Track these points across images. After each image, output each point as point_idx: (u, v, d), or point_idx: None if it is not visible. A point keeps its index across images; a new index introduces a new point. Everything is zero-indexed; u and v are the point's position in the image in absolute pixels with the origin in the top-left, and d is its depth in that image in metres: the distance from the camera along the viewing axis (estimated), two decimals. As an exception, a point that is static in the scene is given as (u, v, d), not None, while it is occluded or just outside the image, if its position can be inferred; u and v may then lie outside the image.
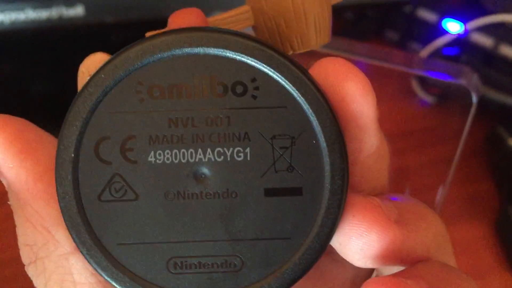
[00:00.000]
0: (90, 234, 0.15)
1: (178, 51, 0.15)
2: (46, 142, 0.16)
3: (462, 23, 0.43)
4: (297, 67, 0.15)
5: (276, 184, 0.15)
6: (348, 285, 0.20)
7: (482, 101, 0.41)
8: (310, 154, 0.15)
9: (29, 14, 0.35)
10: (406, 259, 0.16)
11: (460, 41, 0.43)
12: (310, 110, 0.15)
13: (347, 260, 0.16)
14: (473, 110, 0.31)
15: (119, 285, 0.15)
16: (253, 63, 0.15)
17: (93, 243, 0.15)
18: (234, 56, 0.15)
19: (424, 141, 0.42)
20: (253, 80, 0.15)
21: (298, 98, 0.15)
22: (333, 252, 0.20)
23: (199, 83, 0.15)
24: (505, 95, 0.41)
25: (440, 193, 0.37)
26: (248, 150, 0.15)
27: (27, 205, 0.16)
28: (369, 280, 0.14)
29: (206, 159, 0.15)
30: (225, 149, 0.15)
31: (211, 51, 0.15)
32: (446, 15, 0.44)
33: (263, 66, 0.15)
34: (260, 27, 0.18)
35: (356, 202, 0.16)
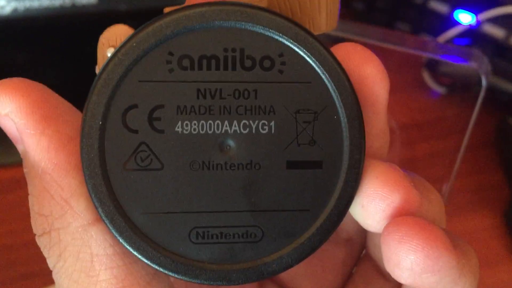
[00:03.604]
0: (114, 202, 0.15)
1: (210, 24, 0.15)
2: (68, 111, 0.16)
3: (473, 14, 0.43)
4: (322, 46, 0.16)
5: (298, 157, 0.16)
6: (340, 265, 0.21)
7: (492, 92, 0.41)
8: (331, 129, 0.16)
9: (42, 2, 0.36)
10: None
11: (472, 32, 0.43)
12: (334, 87, 0.16)
13: (364, 223, 0.16)
14: (482, 93, 0.31)
15: (141, 254, 0.15)
16: (281, 39, 0.15)
17: (117, 212, 0.15)
18: (263, 31, 0.15)
19: (434, 131, 0.42)
20: (281, 55, 0.16)
21: (322, 74, 0.16)
22: None
23: (229, 56, 0.15)
24: (516, 86, 0.41)
25: (448, 184, 0.37)
26: (272, 123, 0.16)
27: (46, 174, 0.15)
28: (395, 219, 0.15)
29: (232, 131, 0.16)
30: (250, 121, 0.16)
31: (241, 25, 0.15)
32: (457, 6, 0.44)
33: (291, 43, 0.15)
34: (273, 9, 0.18)
35: (378, 166, 0.16)
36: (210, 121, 0.15)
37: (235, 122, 0.16)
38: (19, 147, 0.16)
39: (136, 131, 0.15)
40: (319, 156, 0.16)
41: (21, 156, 0.16)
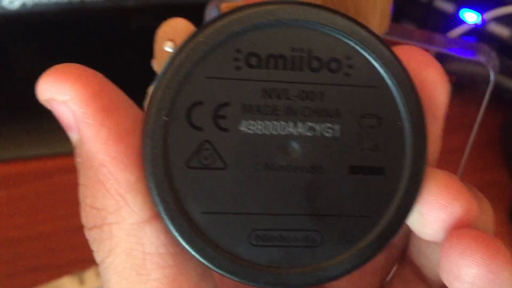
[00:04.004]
0: (175, 200, 0.15)
1: (278, 22, 0.15)
2: (127, 103, 0.16)
3: (479, 13, 0.43)
4: (389, 50, 0.15)
5: (361, 162, 0.15)
6: (379, 268, 0.20)
7: (498, 90, 0.41)
8: (395, 135, 0.15)
9: (51, -3, 0.36)
10: None
11: (477, 31, 0.43)
12: (399, 93, 0.15)
13: (421, 231, 0.16)
14: (490, 87, 0.31)
15: (200, 254, 0.15)
16: (349, 41, 0.15)
17: (177, 210, 0.15)
18: (332, 32, 0.15)
19: (440, 129, 0.42)
20: (348, 58, 0.15)
21: (388, 80, 0.15)
22: None
23: (296, 56, 0.15)
24: (521, 84, 0.42)
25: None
26: (337, 127, 0.15)
27: (102, 166, 0.15)
28: (457, 231, 0.15)
29: (297, 133, 0.15)
30: (315, 124, 0.15)
31: (310, 25, 0.15)
32: (463, 5, 0.44)
33: (359, 46, 0.15)
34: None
35: (439, 174, 0.16)
36: (274, 122, 0.15)
37: (300, 124, 0.15)
38: (73, 136, 0.16)
39: (200, 129, 0.15)
40: (381, 162, 0.15)
41: (74, 145, 0.16)
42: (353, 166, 0.15)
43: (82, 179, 0.16)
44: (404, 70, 0.15)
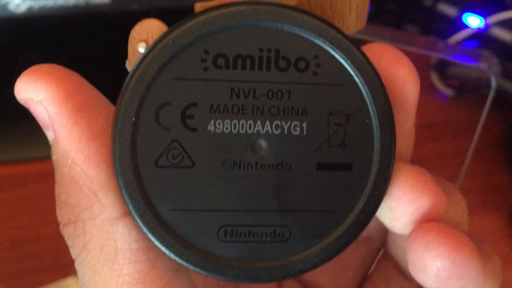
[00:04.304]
0: (144, 198, 0.15)
1: (246, 23, 0.15)
2: (101, 102, 0.16)
3: (482, 18, 0.43)
4: (357, 48, 0.16)
5: (329, 159, 0.16)
6: (359, 262, 0.21)
7: (501, 94, 0.41)
8: (362, 132, 0.16)
9: (57, 1, 0.36)
10: None
11: (480, 35, 0.43)
12: (367, 90, 0.16)
13: (391, 225, 0.16)
14: (492, 93, 0.31)
15: (170, 250, 0.15)
16: (316, 41, 0.16)
17: (146, 207, 0.15)
18: (299, 32, 0.15)
19: (443, 133, 0.42)
20: (316, 57, 0.16)
21: (356, 77, 0.16)
22: None
23: (264, 56, 0.15)
24: (524, 89, 0.42)
25: (456, 185, 0.37)
26: (304, 125, 0.16)
27: (75, 164, 0.15)
28: (421, 224, 0.15)
29: (264, 131, 0.16)
30: (283, 122, 0.16)
31: (278, 26, 0.15)
32: (466, 9, 0.44)
33: (326, 45, 0.16)
34: (303, 7, 0.18)
35: (407, 169, 0.16)
36: (242, 121, 0.15)
37: (267, 123, 0.16)
38: (49, 135, 0.16)
39: (168, 129, 0.15)
40: (349, 158, 0.16)
41: (51, 143, 0.16)
42: (321, 163, 0.16)
43: (57, 177, 0.16)
44: (371, 67, 0.16)
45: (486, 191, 0.40)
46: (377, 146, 0.16)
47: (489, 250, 0.16)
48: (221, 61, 0.15)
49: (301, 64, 0.16)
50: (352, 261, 0.21)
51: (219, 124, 0.15)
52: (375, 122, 0.16)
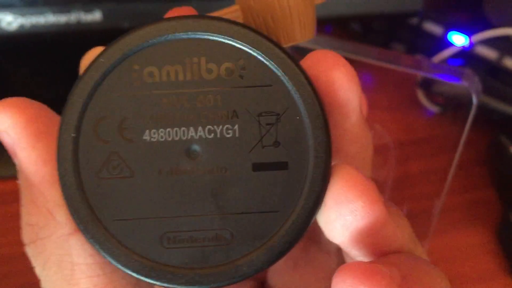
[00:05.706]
0: (88, 211, 0.16)
1: (171, 36, 0.16)
2: None
3: (467, 36, 0.44)
4: (280, 49, 0.16)
5: (263, 159, 0.16)
6: (332, 274, 0.21)
7: (485, 111, 0.42)
8: (295, 129, 0.16)
9: (48, 18, 0.37)
10: (381, 246, 0.16)
11: (465, 53, 0.44)
12: (294, 88, 0.16)
13: (331, 236, 0.16)
14: (473, 111, 0.32)
15: (114, 259, 0.16)
16: (239, 46, 0.16)
17: (91, 219, 0.16)
18: (222, 39, 0.16)
19: (427, 149, 0.43)
20: (240, 61, 0.16)
21: (282, 77, 0.16)
22: (319, 241, 0.20)
23: (190, 65, 0.16)
24: (507, 105, 0.42)
25: (440, 201, 0.37)
26: (236, 127, 0.16)
27: (33, 186, 0.16)
28: (343, 266, 0.14)
29: (198, 137, 0.16)
30: (215, 126, 0.16)
31: (200, 36, 0.16)
32: (451, 28, 0.45)
33: (249, 48, 0.16)
34: (249, 24, 0.19)
35: (345, 168, 0.16)
36: (176, 128, 0.16)
37: (200, 128, 0.16)
38: (15, 161, 0.17)
39: (107, 141, 0.16)
40: (284, 157, 0.16)
41: (17, 168, 0.17)
42: (256, 164, 0.16)
43: (21, 200, 0.17)
44: (296, 66, 0.16)
45: (470, 206, 0.41)
46: (311, 142, 0.16)
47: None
48: (150, 74, 0.16)
49: (228, 69, 0.16)
50: (325, 272, 0.21)
51: (154, 133, 0.16)
52: (306, 119, 0.16)
